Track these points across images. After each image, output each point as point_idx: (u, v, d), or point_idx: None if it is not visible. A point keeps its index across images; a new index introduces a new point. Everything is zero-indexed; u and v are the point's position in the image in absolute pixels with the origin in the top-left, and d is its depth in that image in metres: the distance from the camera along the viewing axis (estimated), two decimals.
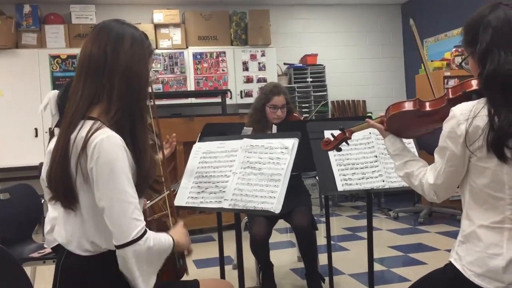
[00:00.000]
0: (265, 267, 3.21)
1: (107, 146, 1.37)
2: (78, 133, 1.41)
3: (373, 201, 6.08)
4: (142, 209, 1.51)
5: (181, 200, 2.11)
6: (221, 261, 2.56)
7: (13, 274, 1.42)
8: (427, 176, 1.59)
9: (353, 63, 7.51)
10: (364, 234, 4.73)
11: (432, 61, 6.05)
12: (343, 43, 7.46)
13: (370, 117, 1.96)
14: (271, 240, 3.08)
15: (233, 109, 6.53)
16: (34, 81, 5.97)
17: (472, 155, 1.47)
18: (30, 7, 6.03)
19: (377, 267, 3.71)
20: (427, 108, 1.65)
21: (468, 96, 1.55)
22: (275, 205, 1.85)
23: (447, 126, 1.51)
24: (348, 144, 1.95)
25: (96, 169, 1.37)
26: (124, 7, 6.62)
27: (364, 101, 7.45)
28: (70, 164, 1.40)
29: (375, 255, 4.05)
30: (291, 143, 1.95)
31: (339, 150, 1.95)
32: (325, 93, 7.09)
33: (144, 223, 1.42)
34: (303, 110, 6.94)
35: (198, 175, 2.12)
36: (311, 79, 7.07)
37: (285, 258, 4.11)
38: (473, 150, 1.46)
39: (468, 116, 1.46)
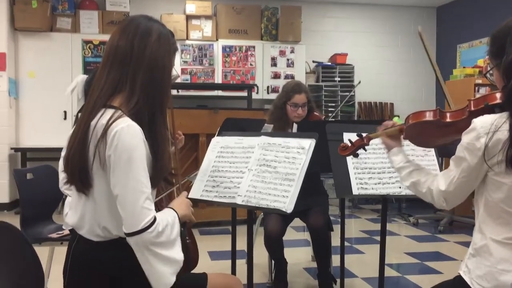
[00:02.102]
0: (278, 264, 3.22)
1: (126, 135, 1.40)
2: (98, 120, 1.44)
3: (394, 206, 6.02)
4: (154, 199, 1.54)
5: (196, 192, 2.13)
6: (233, 255, 2.58)
7: (23, 253, 1.47)
8: (438, 182, 1.57)
9: (383, 64, 7.42)
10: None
11: (464, 67, 5.93)
12: (374, 44, 7.38)
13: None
14: (286, 238, 3.09)
15: (259, 104, 6.54)
16: (66, 64, 6.10)
17: (490, 169, 1.44)
18: None
19: (391, 273, 3.68)
20: (448, 119, 1.62)
21: (490, 109, 1.52)
22: (287, 204, 1.85)
23: (466, 137, 1.48)
24: (365, 150, 1.93)
25: (114, 156, 1.40)
26: None
27: (392, 104, 7.36)
28: (88, 150, 1.44)
29: (391, 261, 4.04)
30: (308, 144, 1.94)
31: (356, 156, 1.94)
32: (353, 93, 7.02)
33: (155, 212, 1.44)
34: (329, 109, 6.90)
35: (214, 169, 2.13)
36: (339, 79, 7.02)
37: (299, 256, 4.11)
38: (492, 165, 1.43)
39: (489, 129, 1.43)
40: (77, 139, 1.46)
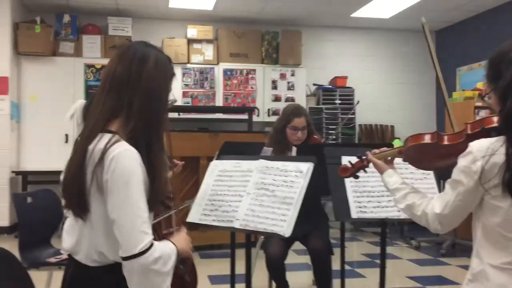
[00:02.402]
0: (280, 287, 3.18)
1: (124, 159, 1.41)
2: (96, 144, 1.45)
3: (396, 229, 5.98)
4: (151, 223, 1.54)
5: (194, 216, 2.12)
6: (232, 279, 2.56)
7: (17, 277, 1.46)
8: (433, 205, 1.56)
9: (383, 87, 7.46)
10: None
11: (463, 90, 5.96)
12: (374, 67, 7.44)
13: (391, 144, 1.94)
14: (288, 261, 3.07)
15: (259, 126, 6.56)
16: (68, 88, 6.15)
17: (486, 193, 1.44)
18: (70, 17, 6.25)
19: None
20: (445, 142, 1.63)
21: (487, 133, 1.52)
22: (285, 228, 1.84)
23: (463, 161, 1.48)
24: (365, 171, 1.93)
25: (111, 180, 1.40)
26: (159, 21, 6.79)
27: (392, 126, 7.37)
28: (85, 174, 1.44)
29: (392, 285, 3.99)
30: (306, 167, 1.95)
31: (357, 177, 1.94)
32: (353, 116, 7.04)
33: (152, 236, 1.44)
34: (330, 132, 6.91)
35: (213, 193, 2.13)
36: (339, 101, 7.05)
37: (300, 280, 4.07)
38: (488, 188, 1.43)
39: (485, 153, 1.43)
40: (74, 163, 1.47)
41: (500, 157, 1.41)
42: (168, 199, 1.67)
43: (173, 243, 1.53)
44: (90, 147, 1.45)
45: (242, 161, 2.15)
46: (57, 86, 6.12)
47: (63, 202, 2.15)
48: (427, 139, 1.65)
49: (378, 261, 4.64)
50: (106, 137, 1.44)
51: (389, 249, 5.31)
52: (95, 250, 1.47)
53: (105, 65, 6.47)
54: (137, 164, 1.43)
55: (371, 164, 1.91)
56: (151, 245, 1.41)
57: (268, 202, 1.94)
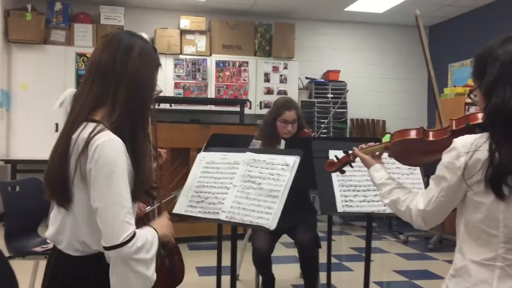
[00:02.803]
0: (266, 281, 3.20)
1: (108, 149, 1.40)
2: (80, 134, 1.44)
3: (384, 223, 6.02)
4: (135, 213, 1.54)
5: (180, 207, 2.12)
6: (218, 271, 2.56)
7: None
8: (417, 202, 1.57)
9: (375, 82, 7.48)
10: (372, 256, 4.70)
11: (455, 86, 5.99)
12: (367, 62, 7.44)
13: (379, 139, 1.95)
14: (276, 254, 3.08)
15: (251, 119, 6.56)
16: (59, 77, 6.11)
17: (469, 189, 1.45)
18: (61, 5, 6.19)
19: None
20: (430, 138, 1.64)
21: (471, 129, 1.53)
22: (270, 221, 1.84)
23: (446, 156, 1.49)
24: (352, 166, 1.94)
25: (95, 170, 1.39)
26: (152, 11, 6.74)
27: (384, 121, 7.40)
28: (69, 164, 1.44)
29: (380, 279, 4.02)
30: (293, 161, 1.95)
31: (343, 172, 1.95)
32: (345, 110, 7.05)
33: (135, 227, 1.44)
34: (321, 125, 6.92)
35: (200, 185, 2.13)
36: (331, 95, 7.05)
37: (288, 273, 4.08)
38: (471, 184, 1.44)
39: (469, 149, 1.44)
40: (58, 153, 1.46)
41: (483, 153, 1.42)
42: (152, 188, 1.67)
43: (154, 229, 1.54)
44: (74, 136, 1.44)
45: (229, 153, 2.15)
46: (48, 75, 6.07)
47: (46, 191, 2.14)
48: (412, 134, 1.66)
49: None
50: (90, 126, 1.44)
51: (377, 243, 5.34)
52: (77, 240, 1.47)
53: None
54: (121, 154, 1.43)
55: (357, 159, 1.92)
56: (134, 234, 1.42)
57: (254, 195, 1.95)
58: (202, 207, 2.05)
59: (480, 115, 1.53)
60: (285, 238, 3.25)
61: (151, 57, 1.55)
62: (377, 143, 1.82)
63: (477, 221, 1.46)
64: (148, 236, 1.48)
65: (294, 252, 4.80)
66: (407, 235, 5.41)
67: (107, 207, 1.39)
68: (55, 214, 1.53)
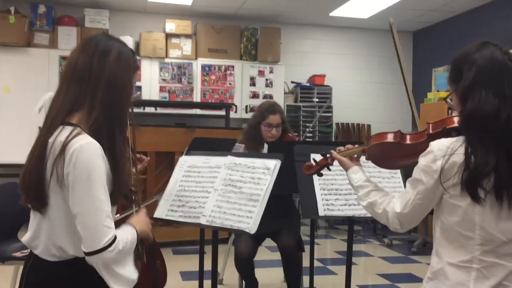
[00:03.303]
0: (249, 285, 3.19)
1: (85, 153, 1.39)
2: (56, 137, 1.43)
3: (369, 227, 6.05)
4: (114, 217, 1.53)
5: (161, 212, 2.11)
6: (200, 275, 2.56)
7: None
8: (393, 204, 1.58)
9: (360, 86, 7.52)
10: (356, 259, 4.73)
11: (438, 91, 6.05)
12: (352, 66, 7.48)
13: (360, 143, 1.96)
14: (260, 258, 3.08)
15: (237, 123, 6.55)
16: (42, 80, 6.04)
17: (445, 192, 1.46)
18: (45, 7, 6.13)
19: None
20: (407, 141, 1.66)
21: (448, 133, 1.55)
22: (251, 225, 1.84)
23: (423, 160, 1.50)
24: (329, 169, 1.94)
25: (73, 174, 1.38)
26: (137, 14, 6.71)
27: (369, 125, 7.44)
28: (45, 167, 1.42)
29: (364, 282, 4.04)
30: (273, 165, 1.95)
31: (321, 175, 1.96)
32: (330, 114, 7.08)
33: (115, 231, 1.43)
34: (307, 130, 6.93)
35: (181, 189, 2.12)
36: (317, 99, 7.08)
37: (272, 277, 4.08)
38: (447, 187, 1.45)
39: (445, 152, 1.46)
40: (34, 156, 1.45)
41: (459, 156, 1.43)
42: (131, 192, 1.66)
43: (133, 226, 1.55)
44: (51, 140, 1.43)
45: (211, 157, 2.15)
46: (31, 78, 6.00)
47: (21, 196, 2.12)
48: (389, 138, 1.67)
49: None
50: (67, 129, 1.43)
51: (362, 247, 5.37)
52: (53, 245, 1.46)
53: None
54: (99, 157, 1.42)
55: (336, 162, 1.93)
56: (114, 238, 1.41)
57: (235, 199, 1.95)
58: (183, 211, 2.05)
59: (456, 119, 1.55)
60: (270, 242, 3.25)
61: (129, 60, 1.54)
62: (355, 146, 1.83)
63: (453, 224, 1.47)
64: (128, 237, 1.48)
65: (278, 256, 4.77)
66: (391, 238, 5.44)
67: (86, 212, 1.39)
68: (31, 219, 1.51)
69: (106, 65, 1.48)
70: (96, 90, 1.46)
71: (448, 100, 1.64)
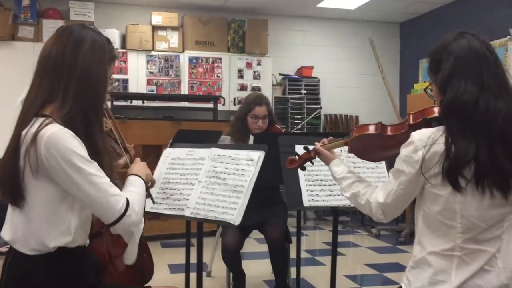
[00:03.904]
0: (236, 277, 3.20)
1: (59, 139, 1.37)
2: (29, 129, 1.41)
3: (357, 218, 6.08)
4: None
5: (146, 205, 2.10)
6: (187, 268, 2.56)
7: None
8: (376, 195, 1.59)
9: (348, 78, 7.53)
10: (344, 250, 4.76)
11: (425, 81, 6.07)
12: (340, 58, 7.49)
13: (344, 134, 1.96)
14: (249, 250, 3.08)
15: (225, 115, 6.52)
16: (27, 74, 5.92)
17: (427, 182, 1.47)
18: (29, 0, 6.05)
19: (350, 284, 3.70)
20: (388, 133, 1.66)
21: (428, 123, 1.56)
22: (235, 216, 1.84)
23: (405, 150, 1.51)
24: (312, 163, 1.95)
25: (53, 163, 1.37)
26: (123, 7, 6.65)
27: (357, 117, 7.46)
28: (19, 160, 1.41)
29: (353, 272, 4.07)
30: (257, 156, 1.95)
31: (304, 169, 1.96)
32: (319, 106, 7.09)
33: (124, 194, 1.47)
34: (296, 121, 6.95)
35: (165, 181, 2.12)
36: (305, 91, 7.08)
37: (260, 269, 4.09)
38: (428, 177, 1.46)
39: (426, 142, 1.46)
40: (8, 150, 1.43)
41: (440, 146, 1.44)
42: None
43: (136, 175, 1.62)
44: (23, 132, 1.41)
45: (195, 149, 2.14)
46: (15, 72, 5.91)
47: None
48: (371, 130, 1.68)
49: (339, 250, 4.72)
50: (39, 120, 1.41)
51: (350, 237, 5.40)
52: (33, 238, 1.44)
53: None
54: (72, 140, 1.39)
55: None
56: (127, 202, 1.44)
57: (219, 191, 1.94)
58: (167, 203, 2.04)
59: (436, 109, 1.56)
60: (258, 234, 3.25)
61: (104, 50, 1.51)
62: (337, 139, 1.84)
63: (435, 213, 1.48)
64: (138, 190, 1.55)
65: (266, 248, 4.80)
66: (379, 229, 5.48)
67: (88, 193, 1.39)
68: (10, 214, 1.50)
69: (79, 55, 1.45)
70: (70, 81, 1.44)
71: (428, 90, 1.65)
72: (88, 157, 1.42)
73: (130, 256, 1.62)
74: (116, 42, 6.27)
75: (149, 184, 1.78)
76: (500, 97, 1.42)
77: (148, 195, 1.75)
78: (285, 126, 6.21)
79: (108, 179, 1.45)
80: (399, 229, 5.45)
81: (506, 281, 1.45)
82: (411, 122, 1.60)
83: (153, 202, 1.95)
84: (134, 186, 1.56)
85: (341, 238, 5.33)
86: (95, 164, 1.43)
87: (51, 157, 1.36)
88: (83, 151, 1.41)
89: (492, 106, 1.40)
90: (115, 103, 5.39)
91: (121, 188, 1.56)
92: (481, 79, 1.43)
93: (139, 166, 1.69)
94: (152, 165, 4.94)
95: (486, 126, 1.40)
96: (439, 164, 1.44)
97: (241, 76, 6.82)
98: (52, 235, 1.43)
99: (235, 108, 6.58)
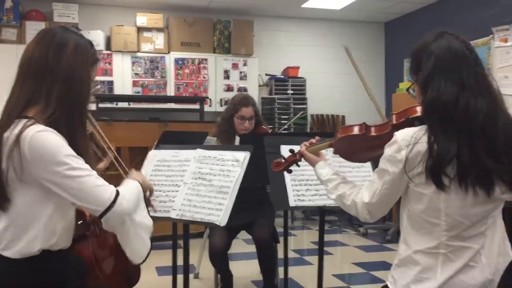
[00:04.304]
0: (224, 278, 3.20)
1: (43, 138, 1.37)
2: (12, 131, 1.40)
3: (345, 217, 6.11)
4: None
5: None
6: (174, 270, 2.55)
7: None
8: (361, 195, 1.60)
9: (334, 78, 7.56)
10: (332, 249, 4.78)
11: (409, 81, 6.13)
12: (325, 58, 7.52)
13: (318, 134, 1.98)
14: (236, 251, 3.08)
15: (212, 116, 6.50)
16: (10, 77, 5.89)
17: (411, 181, 1.48)
18: (11, 2, 5.98)
19: (337, 283, 3.72)
20: (373, 133, 1.67)
21: (410, 123, 1.57)
22: (221, 217, 1.84)
23: (388, 150, 1.52)
24: (298, 166, 1.96)
25: (39, 162, 1.36)
26: (107, 8, 6.61)
27: (343, 116, 7.50)
28: (2, 163, 1.39)
29: (340, 271, 4.09)
30: (243, 156, 1.95)
31: (290, 172, 1.97)
32: (305, 106, 7.12)
33: (113, 187, 1.46)
34: (282, 122, 6.96)
35: (151, 183, 2.10)
36: (291, 91, 7.10)
37: (248, 269, 4.09)
38: (412, 176, 1.47)
39: (409, 142, 1.47)
40: None
41: (423, 145, 1.45)
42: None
43: (133, 179, 1.62)
44: (6, 134, 1.40)
45: (181, 151, 2.13)
46: None
47: None
48: (355, 130, 1.69)
49: (326, 249, 4.75)
50: (22, 122, 1.40)
51: (338, 237, 5.43)
52: (18, 241, 1.42)
53: None
54: (56, 137, 1.39)
55: None
56: (117, 193, 1.43)
57: (205, 192, 1.94)
58: (153, 205, 2.03)
59: (418, 109, 1.57)
60: (245, 234, 3.25)
61: (86, 53, 1.51)
62: (322, 140, 1.85)
63: (420, 211, 1.50)
64: (134, 188, 1.54)
65: (254, 248, 4.81)
66: (366, 227, 5.51)
67: (75, 185, 1.38)
68: None
69: (62, 58, 1.45)
70: (53, 84, 1.43)
71: (411, 90, 1.66)
72: (74, 153, 1.41)
73: (137, 254, 1.61)
74: (101, 44, 6.23)
75: (147, 192, 1.76)
76: (481, 96, 1.43)
77: (148, 204, 1.73)
78: (272, 126, 6.21)
79: (95, 172, 1.44)
80: (386, 227, 5.49)
81: (490, 276, 1.47)
82: (394, 122, 1.61)
83: (155, 211, 1.93)
84: (127, 184, 1.57)
85: (328, 237, 5.35)
86: (82, 159, 1.42)
87: (36, 155, 1.35)
88: (68, 147, 1.40)
89: (472, 104, 1.41)
90: (100, 105, 5.36)
91: None
92: (461, 78, 1.44)
93: (136, 174, 1.72)
94: (139, 167, 4.92)
95: (467, 124, 1.42)
96: (422, 163, 1.45)
97: (227, 77, 6.81)
98: (39, 237, 1.41)
99: (222, 109, 6.57)
